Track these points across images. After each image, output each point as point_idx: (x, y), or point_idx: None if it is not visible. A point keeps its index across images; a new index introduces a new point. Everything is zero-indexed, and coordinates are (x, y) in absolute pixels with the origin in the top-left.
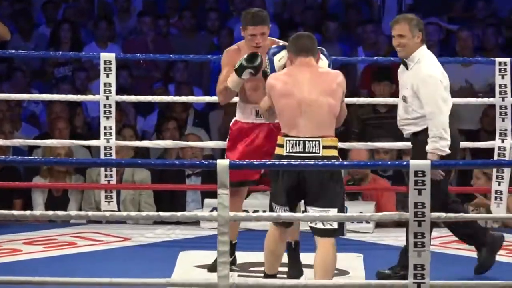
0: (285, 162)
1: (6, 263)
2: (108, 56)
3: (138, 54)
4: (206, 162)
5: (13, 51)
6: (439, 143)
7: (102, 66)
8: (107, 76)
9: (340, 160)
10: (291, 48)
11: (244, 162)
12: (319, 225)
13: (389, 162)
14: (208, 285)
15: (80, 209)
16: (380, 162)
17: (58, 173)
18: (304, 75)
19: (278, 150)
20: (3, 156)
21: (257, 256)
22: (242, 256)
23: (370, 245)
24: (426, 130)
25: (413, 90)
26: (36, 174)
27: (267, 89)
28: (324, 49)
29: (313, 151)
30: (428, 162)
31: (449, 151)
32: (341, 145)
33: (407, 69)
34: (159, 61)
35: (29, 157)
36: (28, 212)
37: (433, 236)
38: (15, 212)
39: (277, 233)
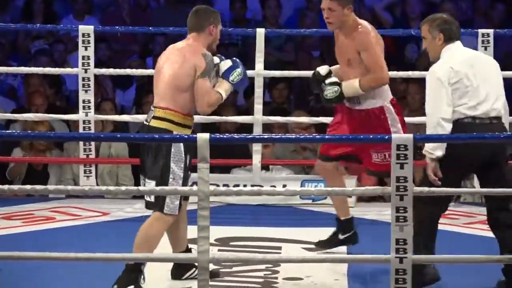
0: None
1: None
2: (86, 29)
3: (117, 27)
4: (186, 136)
5: None
6: (427, 144)
7: (80, 39)
8: (86, 49)
9: (174, 133)
10: None
11: (224, 137)
12: (146, 198)
13: (371, 136)
14: (188, 260)
15: (59, 184)
16: (362, 136)
17: (37, 148)
18: (175, 47)
19: None
20: None
21: (238, 231)
22: (223, 230)
23: None
24: None
25: None
26: (14, 147)
27: None
28: (236, 61)
29: (148, 120)
30: (410, 136)
31: (439, 154)
32: (323, 119)
33: None
34: (139, 34)
35: (7, 131)
36: (6, 186)
37: None
38: None
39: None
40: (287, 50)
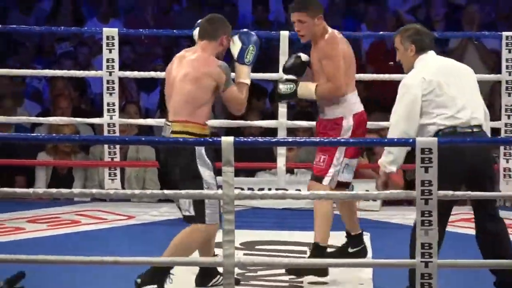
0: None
1: (10, 241)
2: (110, 31)
3: (141, 30)
4: (211, 140)
5: (14, 26)
6: (385, 157)
7: (104, 41)
8: (110, 52)
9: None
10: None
11: (249, 140)
12: (183, 212)
13: (395, 139)
14: (214, 264)
15: (84, 187)
16: (386, 140)
17: (62, 152)
18: (186, 59)
19: None
20: (6, 133)
21: (263, 235)
22: (248, 234)
23: (377, 224)
24: None
25: None
26: (39, 151)
27: None
28: (244, 34)
29: (166, 136)
30: (435, 139)
31: (393, 169)
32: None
33: None
34: (162, 37)
35: (32, 134)
36: (31, 190)
37: None
38: (18, 190)
39: None
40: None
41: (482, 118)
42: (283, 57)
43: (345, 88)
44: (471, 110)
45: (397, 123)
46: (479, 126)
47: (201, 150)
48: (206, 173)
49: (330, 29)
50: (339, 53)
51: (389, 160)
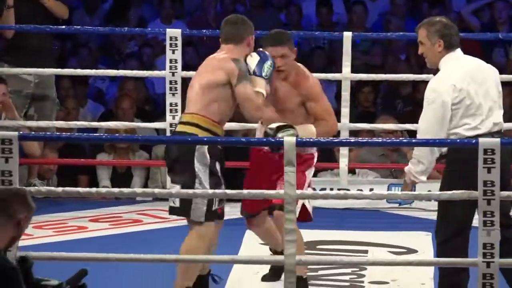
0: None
1: (72, 240)
2: (174, 32)
3: (204, 31)
4: (273, 140)
5: (78, 27)
6: (415, 166)
7: (168, 42)
8: (173, 53)
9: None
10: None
11: (311, 140)
12: (169, 203)
13: (458, 140)
14: (276, 262)
15: (144, 186)
16: (449, 140)
17: (120, 149)
18: (205, 61)
19: None
20: (69, 134)
21: (324, 234)
22: (309, 234)
23: None
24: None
25: None
26: (101, 151)
27: None
28: (262, 52)
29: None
30: (497, 140)
31: (423, 179)
32: (409, 126)
33: None
34: None
35: (94, 134)
36: (94, 189)
37: None
38: (81, 190)
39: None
40: (374, 53)
41: (502, 120)
42: (346, 57)
43: None
44: (494, 116)
45: (428, 130)
46: (500, 132)
47: (201, 147)
48: (201, 170)
49: (298, 64)
50: (322, 91)
51: (420, 170)
